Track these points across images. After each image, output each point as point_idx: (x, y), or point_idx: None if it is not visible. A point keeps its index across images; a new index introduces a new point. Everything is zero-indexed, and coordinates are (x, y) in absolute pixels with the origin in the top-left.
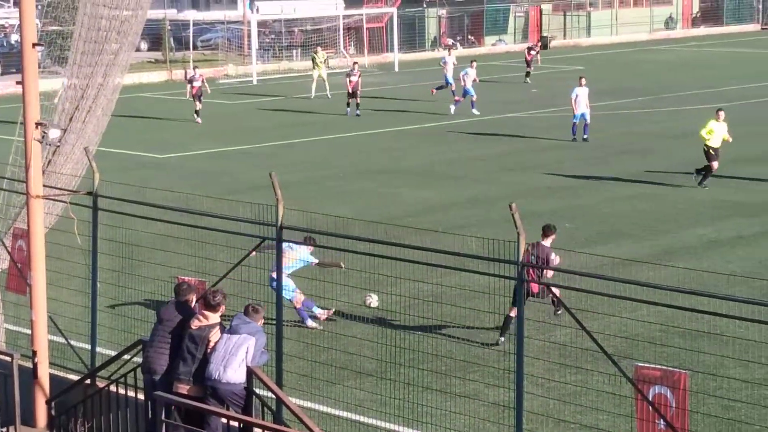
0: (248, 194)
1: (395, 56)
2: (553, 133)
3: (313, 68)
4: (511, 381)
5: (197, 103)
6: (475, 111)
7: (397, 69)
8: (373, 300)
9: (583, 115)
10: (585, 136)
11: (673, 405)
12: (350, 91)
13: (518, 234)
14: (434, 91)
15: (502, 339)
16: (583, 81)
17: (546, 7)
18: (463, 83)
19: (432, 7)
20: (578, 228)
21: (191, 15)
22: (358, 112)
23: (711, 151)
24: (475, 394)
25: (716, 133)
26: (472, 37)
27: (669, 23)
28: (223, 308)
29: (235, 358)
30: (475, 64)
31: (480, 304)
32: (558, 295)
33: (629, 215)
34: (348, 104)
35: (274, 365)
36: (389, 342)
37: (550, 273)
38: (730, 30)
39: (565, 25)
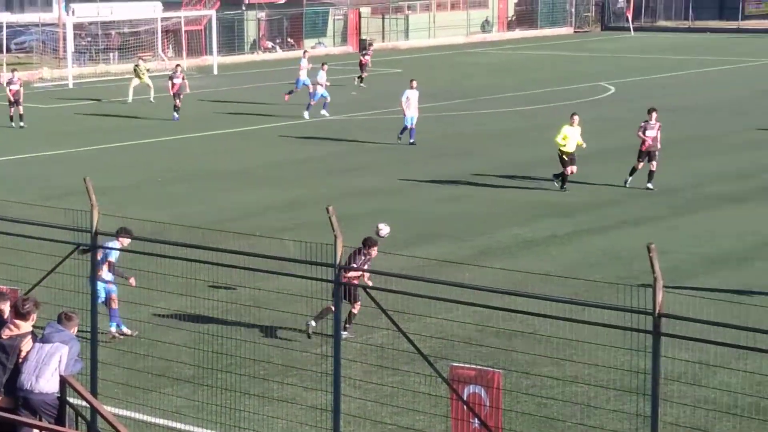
0: (64, 200)
1: (214, 59)
2: (374, 135)
3: (134, 77)
4: (329, 384)
5: (15, 107)
6: (325, 112)
7: (216, 72)
8: (385, 229)
9: (411, 118)
10: (411, 140)
11: (487, 404)
12: (172, 93)
13: (335, 237)
14: (287, 96)
15: (313, 324)
16: (414, 84)
17: (365, 10)
18: (312, 87)
19: (251, 9)
20: (399, 230)
21: (4, 17)
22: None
23: (565, 156)
24: (293, 398)
25: (570, 138)
26: (292, 40)
27: (485, 26)
28: (34, 316)
29: (48, 367)
30: (326, 66)
31: (299, 307)
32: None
33: (448, 217)
34: (175, 107)
35: (89, 373)
36: (207, 348)
37: (366, 277)
38: (545, 33)
39: (383, 28)
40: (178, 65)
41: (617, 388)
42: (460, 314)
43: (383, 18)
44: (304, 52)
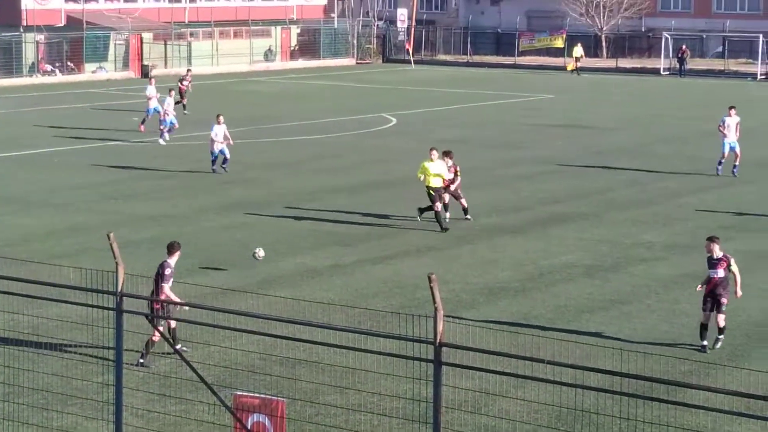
0: None
1: None
2: (156, 162)
3: None
4: (110, 413)
5: None
6: (165, 138)
7: None
8: (260, 252)
9: (222, 150)
10: (224, 166)
11: None
12: None
13: (116, 264)
14: (142, 127)
15: (142, 360)
16: (221, 119)
17: (147, 36)
18: (163, 114)
19: (29, 31)
20: (181, 257)
21: None
22: None
23: (431, 191)
24: (74, 428)
25: (432, 172)
26: (72, 64)
27: (268, 55)
28: None
29: None
30: (173, 93)
31: (79, 335)
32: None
33: (229, 244)
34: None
35: None
36: None
37: (166, 287)
38: (327, 63)
39: (166, 54)
40: None
41: (400, 416)
42: (244, 342)
43: (166, 44)
44: (150, 79)
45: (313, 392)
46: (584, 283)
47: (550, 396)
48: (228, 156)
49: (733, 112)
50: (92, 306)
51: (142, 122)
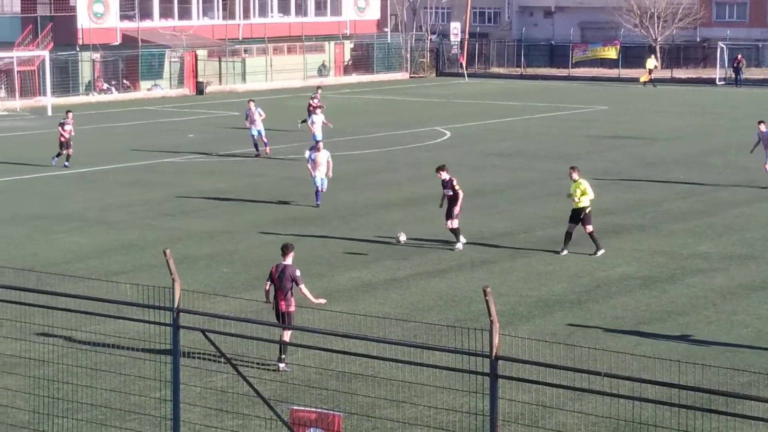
0: None
1: (48, 100)
2: (211, 178)
3: None
4: (168, 428)
5: None
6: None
7: (50, 113)
8: (402, 236)
9: (322, 180)
10: (317, 203)
11: None
12: (63, 140)
13: (173, 279)
14: (267, 149)
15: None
16: (321, 145)
17: (201, 53)
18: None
19: (86, 50)
20: (237, 272)
21: None
22: (66, 163)
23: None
24: None
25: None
26: (128, 82)
27: (322, 71)
28: None
29: None
30: (252, 103)
31: (136, 351)
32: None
33: None
34: (63, 155)
35: None
36: (43, 393)
37: (304, 288)
38: (381, 78)
39: (220, 70)
40: (69, 111)
41: (457, 430)
42: (300, 357)
43: (220, 61)
44: (249, 102)
45: (370, 406)
46: (641, 294)
47: (607, 408)
48: (323, 188)
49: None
50: (149, 322)
51: (257, 146)
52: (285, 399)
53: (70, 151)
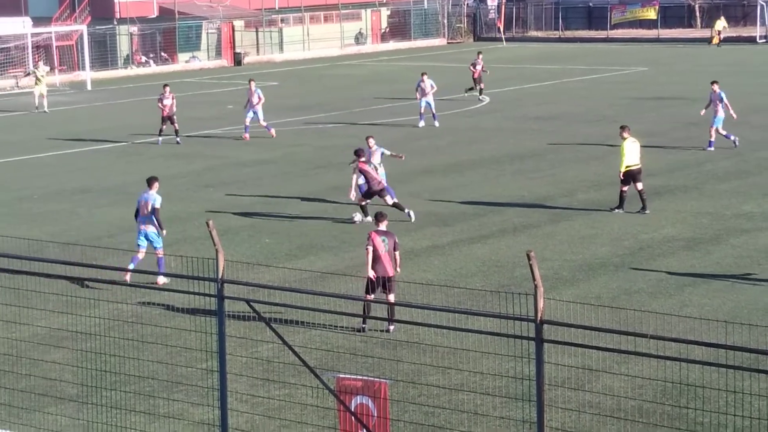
0: None
1: (87, 74)
2: (250, 149)
3: (35, 84)
4: (215, 399)
5: None
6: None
7: (90, 87)
8: (357, 216)
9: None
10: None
11: (375, 414)
12: (165, 116)
13: (216, 250)
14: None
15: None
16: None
17: (238, 24)
18: (419, 96)
19: (123, 24)
20: (279, 242)
21: None
22: (178, 139)
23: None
24: (180, 414)
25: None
26: (166, 54)
27: (359, 38)
28: None
29: None
30: (425, 75)
31: (182, 322)
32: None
33: (326, 228)
34: (161, 131)
35: None
36: (91, 366)
37: (398, 256)
38: (418, 44)
39: (258, 41)
40: (166, 85)
41: (503, 395)
42: (344, 325)
43: (257, 31)
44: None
45: (415, 373)
46: (685, 256)
47: (654, 371)
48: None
49: None
50: (194, 293)
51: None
52: (331, 367)
53: (176, 125)
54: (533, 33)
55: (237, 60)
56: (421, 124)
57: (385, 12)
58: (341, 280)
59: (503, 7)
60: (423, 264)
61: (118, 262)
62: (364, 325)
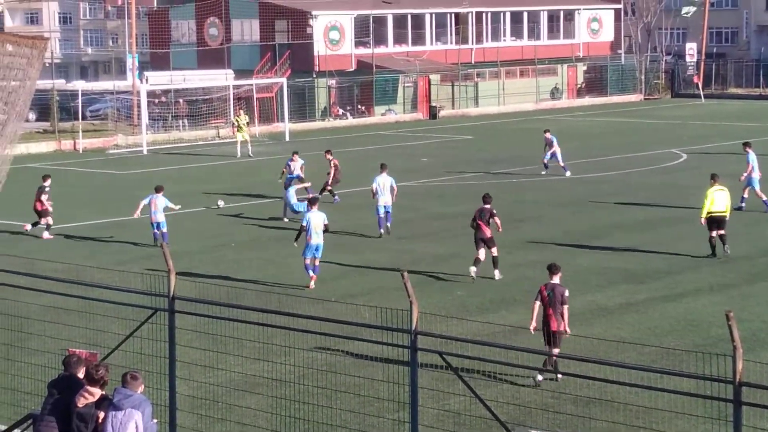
0: (139, 264)
1: (286, 126)
2: (441, 201)
3: (237, 131)
4: None
5: None
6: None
7: (288, 138)
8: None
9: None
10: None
11: None
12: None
13: (410, 302)
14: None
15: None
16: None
17: (434, 78)
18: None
19: (322, 77)
20: (472, 295)
21: (80, 85)
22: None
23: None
24: None
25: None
26: (362, 107)
27: (555, 93)
28: (107, 381)
29: None
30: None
31: (374, 372)
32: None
33: (519, 282)
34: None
35: None
36: (284, 412)
37: (565, 309)
38: (614, 100)
39: (453, 95)
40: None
41: None
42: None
43: (453, 85)
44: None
45: (606, 431)
46: None
47: None
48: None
49: None
50: (387, 344)
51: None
52: (521, 422)
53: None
54: (733, 90)
55: (432, 113)
56: (568, 173)
57: (581, 67)
58: (534, 335)
59: (702, 63)
60: (616, 321)
61: (312, 310)
62: (540, 378)
